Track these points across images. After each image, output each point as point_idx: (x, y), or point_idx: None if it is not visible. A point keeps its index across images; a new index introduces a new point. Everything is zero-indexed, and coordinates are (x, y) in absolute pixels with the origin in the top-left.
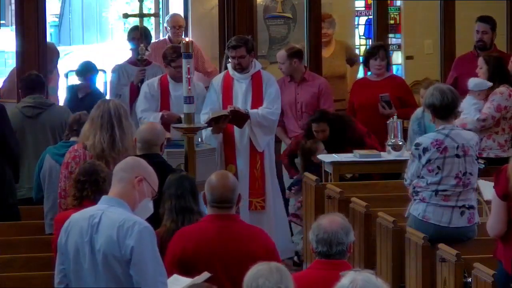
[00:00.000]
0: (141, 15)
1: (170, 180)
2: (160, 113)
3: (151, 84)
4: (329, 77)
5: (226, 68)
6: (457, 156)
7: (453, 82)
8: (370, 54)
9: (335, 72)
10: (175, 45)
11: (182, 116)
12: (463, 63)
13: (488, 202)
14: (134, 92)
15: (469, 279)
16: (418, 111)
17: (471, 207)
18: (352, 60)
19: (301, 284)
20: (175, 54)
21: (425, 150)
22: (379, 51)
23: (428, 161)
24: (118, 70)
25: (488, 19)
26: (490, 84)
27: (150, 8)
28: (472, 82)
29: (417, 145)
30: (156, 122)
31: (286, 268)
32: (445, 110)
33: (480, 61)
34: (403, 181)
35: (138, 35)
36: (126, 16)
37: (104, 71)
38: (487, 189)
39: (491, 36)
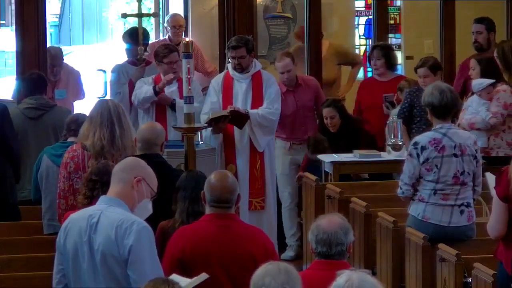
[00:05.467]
0: (140, 15)
1: (187, 179)
2: (152, 87)
3: (146, 81)
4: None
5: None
6: (455, 155)
7: (462, 87)
8: (369, 55)
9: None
10: (167, 43)
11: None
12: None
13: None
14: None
15: (469, 279)
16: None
17: (469, 205)
18: (350, 63)
19: None
20: (166, 49)
21: (423, 148)
22: (373, 51)
23: (426, 160)
24: (118, 70)
25: (483, 19)
26: (490, 81)
27: (150, 8)
28: (474, 83)
29: (415, 144)
30: (149, 95)
31: (295, 270)
32: (444, 110)
33: (473, 62)
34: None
35: (135, 37)
36: (124, 16)
37: (104, 71)
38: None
39: (487, 36)
